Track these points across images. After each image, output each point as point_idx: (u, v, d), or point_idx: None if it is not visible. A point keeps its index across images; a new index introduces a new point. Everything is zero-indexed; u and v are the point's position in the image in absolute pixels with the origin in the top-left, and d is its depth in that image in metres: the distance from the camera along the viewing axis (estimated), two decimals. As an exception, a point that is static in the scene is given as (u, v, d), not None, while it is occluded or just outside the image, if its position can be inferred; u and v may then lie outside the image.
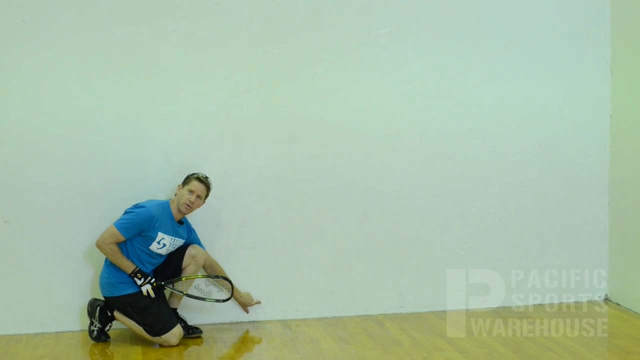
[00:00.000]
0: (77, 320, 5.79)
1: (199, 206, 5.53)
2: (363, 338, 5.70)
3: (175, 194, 5.54)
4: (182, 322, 5.66)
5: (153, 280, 5.45)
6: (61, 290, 5.77)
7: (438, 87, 6.18)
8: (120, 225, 5.37)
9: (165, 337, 5.45)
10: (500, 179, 6.33)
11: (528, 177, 6.37)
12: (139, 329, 5.51)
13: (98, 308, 5.55)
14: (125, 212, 5.46)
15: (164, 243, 5.46)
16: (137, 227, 5.38)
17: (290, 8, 5.91)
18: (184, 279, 5.58)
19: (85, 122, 5.69)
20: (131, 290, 5.43)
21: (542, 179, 6.39)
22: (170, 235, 5.48)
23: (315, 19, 5.96)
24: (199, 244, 5.75)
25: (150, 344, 5.51)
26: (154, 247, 5.45)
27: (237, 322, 6.00)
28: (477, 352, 5.38)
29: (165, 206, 5.51)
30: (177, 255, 5.62)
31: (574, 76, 6.40)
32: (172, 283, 5.58)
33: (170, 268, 5.62)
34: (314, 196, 6.07)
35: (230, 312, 5.99)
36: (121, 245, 5.41)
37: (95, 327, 5.56)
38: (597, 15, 6.37)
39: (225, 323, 5.98)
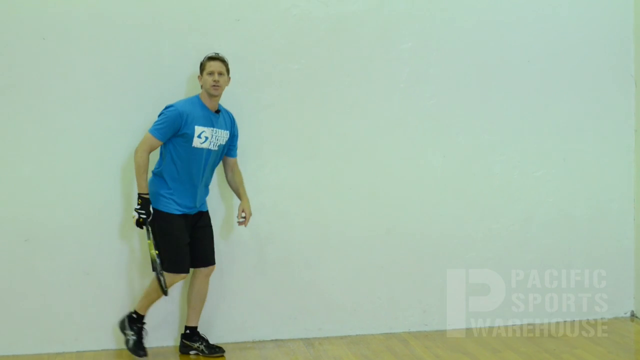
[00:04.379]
0: (98, 340, 5.75)
1: (226, 82, 5.49)
2: (387, 356, 5.64)
3: (201, 86, 5.49)
4: (204, 341, 5.62)
5: (144, 215, 5.32)
6: (82, 309, 5.73)
7: (461, 102, 6.15)
8: (154, 129, 5.34)
9: (169, 275, 5.40)
10: (525, 195, 6.29)
11: (552, 193, 6.33)
12: (154, 286, 5.45)
13: (126, 318, 5.55)
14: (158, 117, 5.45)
15: (205, 136, 5.38)
16: (170, 127, 5.33)
17: (311, 24, 5.89)
18: (156, 252, 5.39)
19: (105, 139, 5.66)
20: (162, 207, 5.40)
21: (566, 195, 6.35)
22: (208, 126, 5.41)
23: (336, 34, 5.93)
24: (234, 146, 5.65)
25: None
26: (196, 143, 5.37)
27: (259, 341, 5.95)
28: (503, 371, 5.35)
29: (194, 100, 5.46)
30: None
31: (598, 90, 6.36)
32: (152, 240, 5.39)
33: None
34: (337, 213, 6.03)
35: (252, 331, 5.96)
36: (167, 152, 5.39)
37: (130, 336, 5.53)
38: (621, 28, 6.35)
39: (248, 342, 5.93)
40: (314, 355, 5.69)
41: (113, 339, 5.76)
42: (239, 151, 5.73)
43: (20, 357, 5.61)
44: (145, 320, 5.57)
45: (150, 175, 5.46)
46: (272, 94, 5.87)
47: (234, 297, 5.90)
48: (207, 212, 5.65)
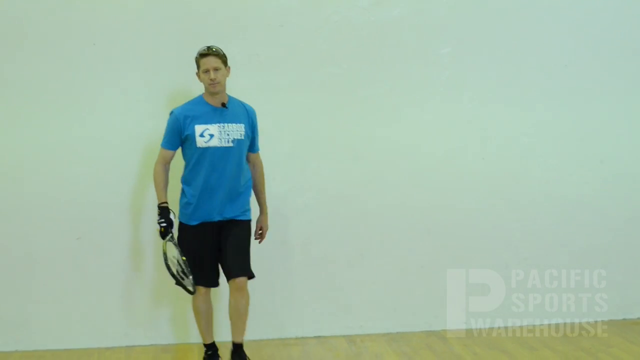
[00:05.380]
0: (147, 335, 5.91)
1: (225, 76, 5.13)
2: (426, 353, 5.74)
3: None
4: None
5: (164, 224, 5.09)
6: (131, 305, 5.89)
7: (499, 105, 6.20)
8: (162, 140, 5.20)
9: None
10: (562, 196, 6.32)
11: (589, 194, 6.35)
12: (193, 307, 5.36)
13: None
14: None
15: (209, 134, 5.08)
16: (173, 134, 5.13)
17: (352, 28, 5.99)
18: (184, 258, 5.12)
19: (155, 142, 5.67)
20: (180, 217, 5.23)
21: (603, 196, 6.38)
22: (213, 123, 5.09)
23: (377, 38, 6.03)
24: (255, 141, 5.33)
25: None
26: (200, 142, 5.07)
27: (302, 338, 6.07)
28: (542, 368, 5.42)
29: (196, 100, 5.21)
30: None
31: (635, 93, 6.39)
32: (177, 245, 5.15)
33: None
34: (378, 213, 6.12)
35: (295, 327, 6.08)
36: (184, 160, 5.20)
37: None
38: (658, 31, 6.37)
39: (291, 338, 6.06)
40: (355, 351, 5.80)
41: (161, 334, 5.93)
42: (282, 153, 5.87)
43: (72, 352, 5.78)
44: (212, 349, 5.40)
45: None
46: (314, 97, 5.98)
47: (277, 295, 6.02)
48: (240, 221, 5.26)
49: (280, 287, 6.04)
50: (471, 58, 6.16)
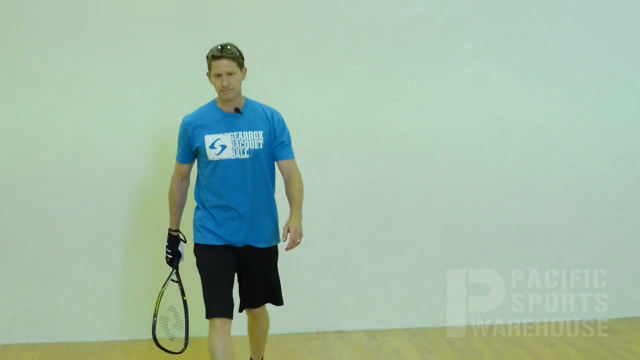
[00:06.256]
0: (169, 328, 5.99)
1: (240, 80, 4.48)
2: (445, 349, 5.77)
3: None
4: None
5: (169, 256, 4.75)
6: (153, 299, 5.87)
7: (520, 102, 6.21)
8: (176, 154, 4.65)
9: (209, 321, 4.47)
10: (584, 193, 6.32)
11: (612, 191, 6.34)
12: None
13: None
14: None
15: (221, 145, 4.42)
16: (184, 146, 4.54)
17: (374, 26, 6.02)
18: (185, 298, 4.78)
19: (174, 140, 5.78)
20: (198, 239, 4.57)
21: (626, 193, 6.36)
22: (225, 132, 4.43)
23: (398, 36, 6.06)
24: (280, 146, 4.59)
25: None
26: (211, 155, 4.42)
27: (323, 332, 6.13)
28: (561, 364, 5.43)
29: (208, 105, 4.56)
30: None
31: (658, 89, 6.37)
32: (179, 283, 4.78)
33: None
34: (399, 210, 6.15)
35: (316, 322, 6.15)
36: (201, 179, 4.55)
37: None
38: (682, 28, 6.33)
39: (312, 333, 6.12)
40: (375, 346, 5.85)
41: (184, 328, 6.00)
42: (302, 149, 5.61)
43: (96, 344, 5.89)
44: None
45: None
46: (336, 94, 6.03)
47: (299, 291, 6.03)
48: (265, 248, 4.60)
49: (302, 282, 6.08)
50: (493, 55, 6.17)
